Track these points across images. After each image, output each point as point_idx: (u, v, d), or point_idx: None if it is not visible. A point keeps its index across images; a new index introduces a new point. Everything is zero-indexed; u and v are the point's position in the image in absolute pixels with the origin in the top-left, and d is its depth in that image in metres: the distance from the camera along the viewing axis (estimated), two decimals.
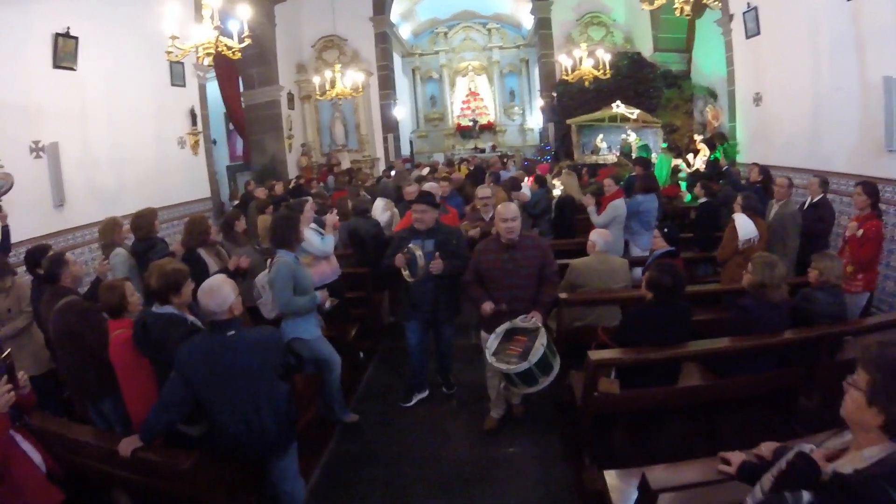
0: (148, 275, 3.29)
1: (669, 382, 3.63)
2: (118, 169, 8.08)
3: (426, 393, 5.24)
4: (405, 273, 4.57)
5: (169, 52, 5.87)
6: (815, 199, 6.24)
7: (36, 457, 2.74)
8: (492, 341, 3.96)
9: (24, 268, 5.07)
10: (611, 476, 2.92)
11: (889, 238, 6.37)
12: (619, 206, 6.28)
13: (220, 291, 2.91)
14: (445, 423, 4.84)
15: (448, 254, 4.65)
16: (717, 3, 5.72)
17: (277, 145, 13.77)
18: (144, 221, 5.32)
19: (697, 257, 6.49)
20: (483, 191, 6.57)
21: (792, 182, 6.41)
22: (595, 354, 3.41)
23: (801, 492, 1.52)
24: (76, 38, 7.16)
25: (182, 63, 9.33)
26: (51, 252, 4.62)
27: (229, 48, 5.95)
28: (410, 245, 4.54)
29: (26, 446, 2.72)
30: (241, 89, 13.08)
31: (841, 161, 7.43)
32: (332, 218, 5.55)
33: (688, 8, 5.65)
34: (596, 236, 4.91)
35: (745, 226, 5.43)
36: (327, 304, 4.59)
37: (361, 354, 6.06)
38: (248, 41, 6.01)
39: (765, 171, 7.57)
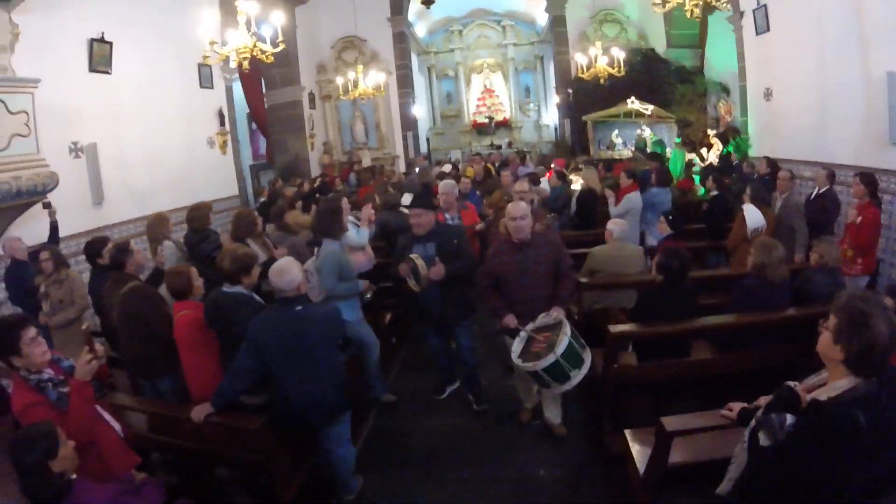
0: (220, 259, 3.77)
1: (680, 357, 4.08)
2: (151, 168, 8.53)
3: (457, 384, 5.33)
4: (410, 282, 4.57)
5: (206, 57, 6.36)
6: (821, 191, 6.61)
7: (115, 424, 3.16)
8: (517, 345, 3.98)
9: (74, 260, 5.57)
10: (631, 434, 3.37)
11: (891, 226, 6.74)
12: (634, 198, 6.73)
13: (289, 272, 3.39)
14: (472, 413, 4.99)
15: (449, 255, 4.62)
16: (726, 3, 6.04)
17: (299, 144, 14.24)
18: (199, 214, 5.90)
19: (708, 246, 6.88)
20: (520, 184, 6.49)
21: (793, 175, 6.79)
22: (614, 328, 3.84)
23: (784, 415, 1.95)
24: (110, 43, 7.62)
25: (210, 66, 9.77)
26: (112, 242, 5.13)
27: (264, 52, 6.43)
28: (412, 254, 4.55)
29: (106, 415, 3.14)
30: (264, 90, 13.53)
31: (846, 153, 7.77)
32: (367, 211, 5.94)
33: (697, 11, 6.01)
34: (612, 225, 5.36)
35: (753, 215, 5.82)
36: (368, 294, 5.05)
37: (394, 340, 6.48)
38: (282, 46, 6.47)
39: (773, 164, 7.93)
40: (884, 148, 6.91)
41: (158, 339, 3.99)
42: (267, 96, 13.70)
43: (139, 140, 8.32)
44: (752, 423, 2.09)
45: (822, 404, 1.91)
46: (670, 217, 5.41)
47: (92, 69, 7.42)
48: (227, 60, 6.61)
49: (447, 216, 6.20)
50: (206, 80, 10.10)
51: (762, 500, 2.09)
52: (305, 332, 3.36)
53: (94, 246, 5.12)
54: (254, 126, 14.35)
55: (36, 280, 5.27)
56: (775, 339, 4.16)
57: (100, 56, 7.52)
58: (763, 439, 1.94)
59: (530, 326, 4.00)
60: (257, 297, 3.79)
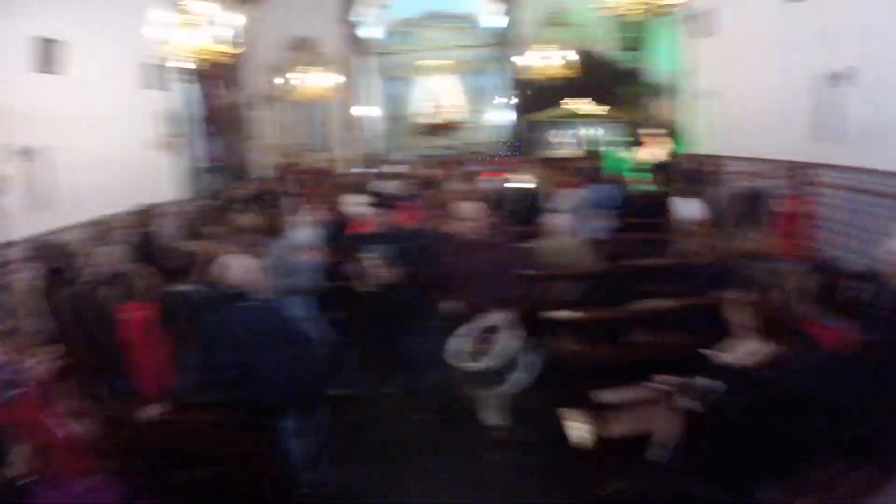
0: (174, 257, 3.82)
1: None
2: (102, 171, 8.28)
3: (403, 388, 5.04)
4: (357, 282, 4.52)
5: (161, 58, 6.33)
6: (752, 185, 7.07)
7: (72, 427, 3.16)
8: (458, 343, 3.96)
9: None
10: (571, 413, 3.54)
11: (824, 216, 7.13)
12: (577, 194, 6.98)
13: (235, 268, 3.47)
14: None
15: (406, 259, 4.50)
16: (668, 9, 6.38)
17: (248, 146, 14.23)
18: (145, 216, 5.89)
19: (648, 238, 7.18)
20: (450, 185, 6.78)
21: (727, 170, 7.20)
22: (554, 314, 4.04)
23: (709, 381, 2.15)
24: (60, 43, 7.43)
25: (158, 67, 9.62)
26: (60, 247, 5.10)
27: (222, 53, 6.46)
28: (364, 253, 4.47)
29: (62, 418, 3.09)
30: (213, 91, 13.36)
31: (780, 149, 8.12)
32: (316, 211, 6.07)
33: (640, 16, 6.34)
34: (555, 220, 5.57)
35: (687, 208, 6.16)
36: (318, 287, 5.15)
37: (349, 337, 6.56)
38: (242, 48, 6.50)
39: (708, 160, 8.37)
40: (819, 144, 7.37)
41: (102, 341, 4.01)
42: (215, 97, 13.51)
43: (88, 142, 8.11)
44: (676, 390, 2.28)
45: (743, 369, 2.12)
46: (614, 212, 5.65)
47: (42, 69, 7.24)
48: (175, 61, 6.58)
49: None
50: (157, 81, 9.95)
51: (701, 463, 2.28)
52: (254, 327, 3.44)
53: (43, 250, 5.08)
54: (203, 128, 14.22)
55: None
56: (708, 322, 4.42)
57: (48, 56, 7.34)
58: (687, 402, 2.13)
59: (475, 326, 3.97)
60: (207, 293, 3.85)
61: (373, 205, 4.96)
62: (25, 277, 5.44)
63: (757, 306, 2.08)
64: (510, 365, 3.74)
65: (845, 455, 2.10)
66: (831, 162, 7.15)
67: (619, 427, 3.21)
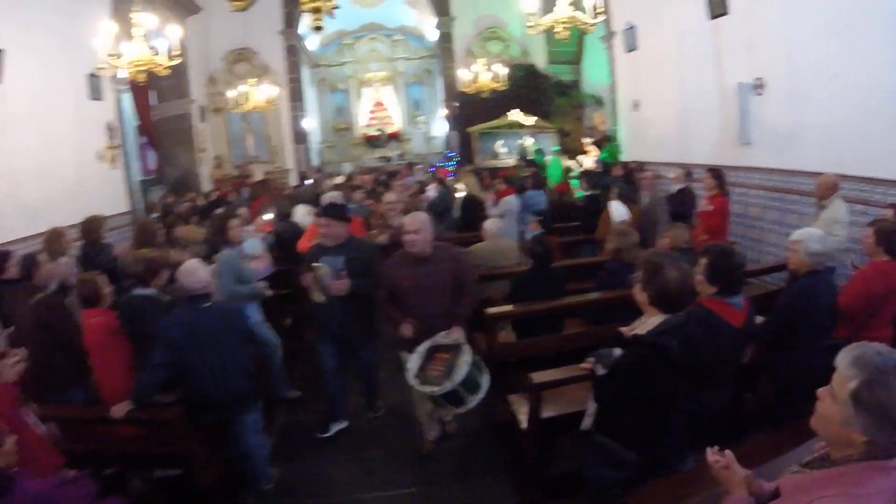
0: (132, 262, 4.00)
1: (555, 333, 4.69)
2: (42, 183, 8.18)
3: (346, 423, 4.95)
4: (313, 293, 4.42)
5: (102, 68, 6.37)
6: (680, 187, 7.63)
7: (39, 425, 3.31)
8: (413, 361, 3.80)
9: None
10: (512, 398, 3.93)
11: (742, 213, 7.90)
12: (510, 200, 7.47)
13: (197, 272, 3.69)
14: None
15: (358, 271, 4.42)
16: (593, 27, 6.86)
17: (189, 158, 14.05)
18: (93, 227, 5.98)
19: (583, 239, 7.70)
20: (389, 196, 6.68)
21: (656, 175, 7.78)
22: (491, 310, 4.40)
23: (612, 349, 2.53)
24: (2, 51, 7.23)
25: (99, 77, 9.58)
26: (17, 255, 5.13)
27: (159, 65, 6.56)
28: (317, 263, 4.36)
29: (30, 418, 3.25)
30: (153, 102, 13.27)
31: (705, 154, 8.82)
32: (259, 221, 6.29)
33: (566, 33, 6.78)
34: (489, 224, 6.01)
35: (618, 210, 6.65)
36: (266, 293, 5.36)
37: (296, 341, 6.77)
38: (178, 59, 6.64)
39: (637, 165, 8.96)
40: (736, 148, 8.04)
41: (68, 348, 4.08)
42: (156, 109, 13.39)
43: (30, 153, 7.96)
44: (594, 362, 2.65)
45: (642, 336, 2.51)
46: (541, 218, 6.11)
47: None
48: (117, 71, 6.61)
49: None
50: (95, 91, 9.79)
51: (608, 423, 2.65)
52: (213, 326, 3.68)
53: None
54: (143, 139, 14.08)
55: None
56: (637, 312, 4.87)
57: None
58: (599, 370, 2.51)
59: (427, 344, 3.86)
60: (166, 297, 4.04)
61: (337, 215, 4.67)
62: None
63: (655, 286, 2.48)
64: (471, 386, 3.59)
65: (737, 420, 2.50)
66: (751, 164, 7.83)
67: (555, 406, 3.59)
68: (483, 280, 5.67)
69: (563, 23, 6.59)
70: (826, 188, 5.53)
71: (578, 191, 10.25)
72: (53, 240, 5.95)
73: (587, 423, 2.79)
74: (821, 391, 1.58)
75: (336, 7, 3.70)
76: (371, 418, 5.13)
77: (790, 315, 3.58)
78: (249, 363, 3.92)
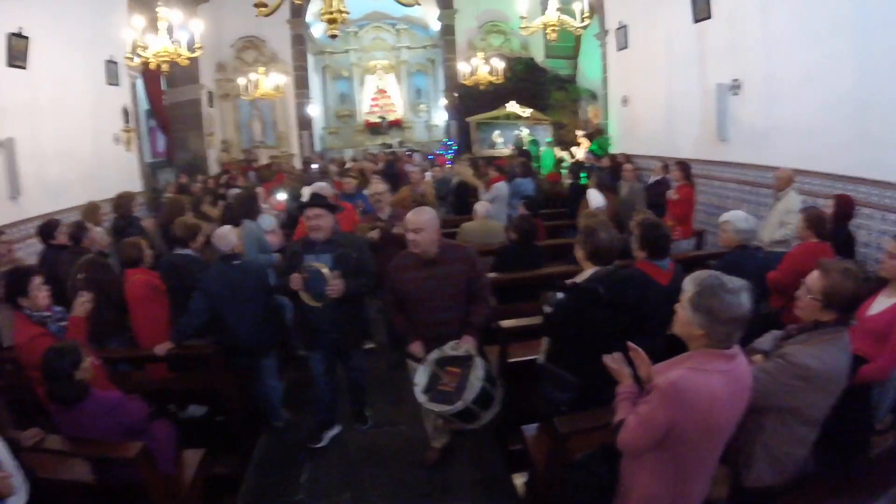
0: (176, 227, 4.85)
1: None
2: (64, 163, 8.82)
3: (338, 429, 4.87)
4: (305, 296, 4.13)
5: (129, 58, 7.10)
6: (657, 178, 8.46)
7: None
8: (420, 375, 3.64)
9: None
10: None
11: (720, 205, 8.51)
12: (500, 186, 8.28)
13: (228, 236, 4.55)
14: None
15: (350, 270, 4.18)
16: (581, 29, 7.62)
17: (199, 142, 14.92)
18: (125, 202, 6.81)
19: (567, 224, 8.51)
20: (376, 186, 6.15)
21: (636, 167, 8.60)
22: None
23: (556, 293, 3.34)
24: (27, 38, 7.81)
25: (116, 63, 10.34)
26: (63, 222, 5.98)
27: (181, 56, 7.30)
28: (311, 263, 4.11)
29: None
30: (164, 87, 14.02)
31: (688, 149, 9.56)
32: (274, 200, 7.10)
33: (555, 35, 7.54)
34: (479, 207, 6.83)
35: (595, 198, 7.46)
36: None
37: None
38: (199, 51, 7.39)
39: (622, 158, 9.80)
40: (715, 144, 8.80)
41: (112, 303, 4.86)
42: (167, 94, 14.17)
43: (53, 135, 8.59)
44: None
45: (579, 284, 3.33)
46: (528, 201, 6.90)
47: (10, 64, 7.62)
48: (135, 61, 7.17)
49: None
50: (112, 76, 10.52)
51: (556, 354, 3.43)
52: (243, 279, 4.51)
53: (47, 228, 5.94)
54: (152, 123, 14.85)
55: None
56: None
57: (17, 51, 7.69)
58: (546, 309, 3.32)
59: (436, 355, 3.67)
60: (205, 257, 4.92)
61: (327, 204, 4.43)
62: (30, 252, 6.27)
63: (589, 245, 3.31)
64: (484, 402, 3.46)
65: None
66: (728, 159, 8.60)
67: (523, 351, 4.37)
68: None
69: (552, 26, 7.35)
70: (783, 181, 6.24)
71: (567, 179, 11.06)
72: (91, 212, 6.80)
73: (541, 357, 3.55)
74: (676, 305, 2.40)
75: (347, 14, 4.32)
76: (361, 431, 4.92)
77: None
78: (271, 313, 4.76)
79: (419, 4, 5.22)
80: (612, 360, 2.63)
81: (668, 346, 2.63)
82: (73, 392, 3.16)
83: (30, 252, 6.70)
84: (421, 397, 3.55)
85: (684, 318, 2.32)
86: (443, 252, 3.83)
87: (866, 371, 3.32)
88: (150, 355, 4.50)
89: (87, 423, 3.20)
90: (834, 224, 5.19)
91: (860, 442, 3.44)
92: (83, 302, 3.98)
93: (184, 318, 4.48)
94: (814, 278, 2.64)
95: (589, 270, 3.36)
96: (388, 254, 4.47)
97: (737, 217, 4.40)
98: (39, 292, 3.78)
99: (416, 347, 3.86)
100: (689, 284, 2.33)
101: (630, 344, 2.55)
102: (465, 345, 3.68)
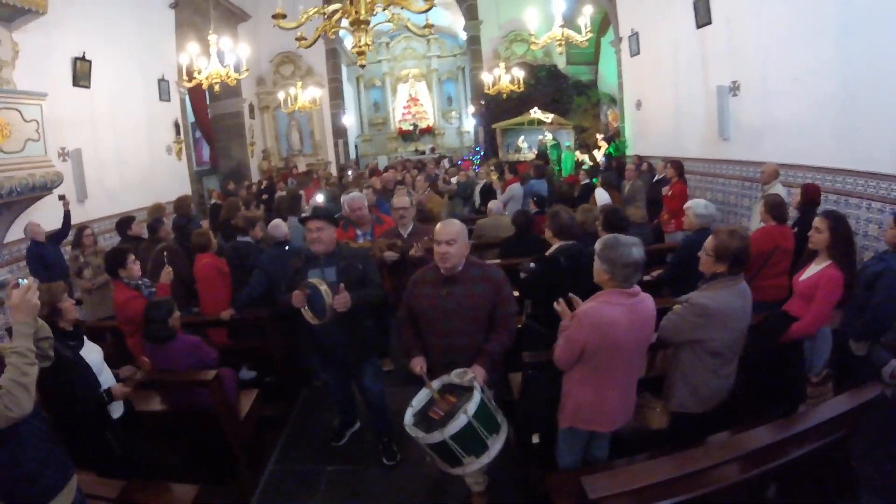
0: (238, 219, 6.09)
1: None
2: (121, 171, 10.02)
3: (358, 425, 5.00)
4: (307, 314, 3.99)
5: (185, 80, 8.26)
6: (660, 177, 9.38)
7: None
8: (419, 397, 3.44)
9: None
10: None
11: (723, 201, 9.47)
12: (514, 187, 9.36)
13: (281, 227, 5.76)
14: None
15: (354, 283, 4.03)
16: (584, 41, 8.49)
17: (241, 151, 16.27)
18: (184, 203, 8.13)
19: None
20: (400, 200, 5.57)
21: (638, 167, 9.57)
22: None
23: (531, 263, 4.36)
24: (90, 62, 9.05)
25: (167, 81, 11.74)
26: (136, 219, 7.32)
27: (229, 76, 8.46)
28: (310, 279, 3.98)
29: None
30: (208, 101, 15.24)
31: (693, 148, 10.43)
32: (314, 202, 8.27)
33: (560, 48, 8.53)
34: (492, 204, 7.89)
35: (601, 196, 8.48)
36: None
37: None
38: (247, 72, 8.58)
39: (633, 158, 10.80)
40: (717, 143, 9.62)
41: (182, 281, 6.05)
42: (211, 107, 15.46)
43: (113, 147, 9.77)
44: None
45: (546, 255, 4.38)
46: (538, 200, 7.96)
47: (75, 84, 8.85)
48: (180, 75, 8.11)
49: (359, 233, 6.00)
50: (164, 93, 11.85)
51: (534, 314, 4.43)
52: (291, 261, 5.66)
53: (124, 223, 7.25)
54: (197, 134, 16.24)
55: (73, 252, 7.01)
56: None
57: (81, 72, 8.93)
58: (522, 275, 4.39)
59: (437, 383, 3.44)
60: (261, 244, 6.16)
61: (329, 216, 4.36)
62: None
63: (555, 224, 4.37)
64: (470, 443, 3.12)
65: None
66: (729, 157, 9.36)
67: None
68: (484, 248, 7.31)
69: (559, 40, 8.34)
70: (769, 175, 6.93)
71: (583, 180, 12.04)
72: (155, 210, 8.10)
73: (523, 319, 4.45)
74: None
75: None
76: (386, 466, 4.55)
77: (683, 260, 5.26)
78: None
79: (431, 34, 5.99)
80: (558, 305, 3.34)
81: None
82: (165, 333, 4.30)
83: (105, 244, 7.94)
84: (407, 419, 3.30)
85: (597, 268, 3.23)
86: (466, 270, 3.58)
87: (796, 328, 4.00)
88: (217, 320, 5.68)
89: (175, 357, 4.35)
90: (801, 210, 5.96)
91: (797, 391, 4.13)
92: (167, 272, 5.21)
93: (244, 291, 5.62)
94: (709, 240, 3.60)
95: (556, 245, 4.42)
96: (406, 276, 4.31)
97: (697, 204, 5.34)
98: (134, 265, 5.03)
99: (416, 364, 3.61)
100: (598, 244, 3.24)
101: (570, 294, 3.32)
102: (471, 374, 3.34)
